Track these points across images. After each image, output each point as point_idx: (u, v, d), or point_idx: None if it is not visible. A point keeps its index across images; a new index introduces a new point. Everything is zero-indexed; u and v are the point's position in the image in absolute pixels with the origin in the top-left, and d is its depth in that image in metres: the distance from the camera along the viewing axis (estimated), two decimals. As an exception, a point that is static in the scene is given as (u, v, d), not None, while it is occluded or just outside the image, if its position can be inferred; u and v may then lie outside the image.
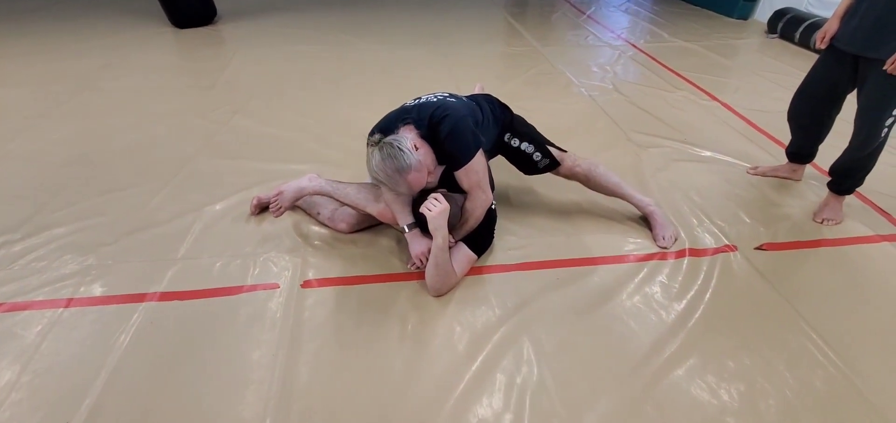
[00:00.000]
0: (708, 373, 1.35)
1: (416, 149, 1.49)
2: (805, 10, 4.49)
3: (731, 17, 5.34)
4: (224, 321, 1.50)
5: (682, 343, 1.43)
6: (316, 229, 1.91)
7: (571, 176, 1.89)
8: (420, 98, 1.72)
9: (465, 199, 1.62)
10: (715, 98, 3.22)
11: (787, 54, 4.14)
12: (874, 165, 1.90)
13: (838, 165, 1.98)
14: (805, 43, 4.22)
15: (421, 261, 1.61)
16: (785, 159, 2.30)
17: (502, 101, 1.90)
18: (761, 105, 3.10)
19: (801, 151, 2.20)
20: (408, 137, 1.50)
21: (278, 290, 1.62)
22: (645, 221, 1.94)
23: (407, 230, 1.64)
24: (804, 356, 1.41)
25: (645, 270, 1.72)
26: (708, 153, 2.54)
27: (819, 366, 1.38)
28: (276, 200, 1.84)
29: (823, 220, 1.99)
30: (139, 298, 1.56)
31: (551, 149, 1.86)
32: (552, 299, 1.59)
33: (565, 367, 1.36)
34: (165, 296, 1.58)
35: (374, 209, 1.72)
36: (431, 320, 1.51)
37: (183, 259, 1.74)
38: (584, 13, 5.54)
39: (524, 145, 1.84)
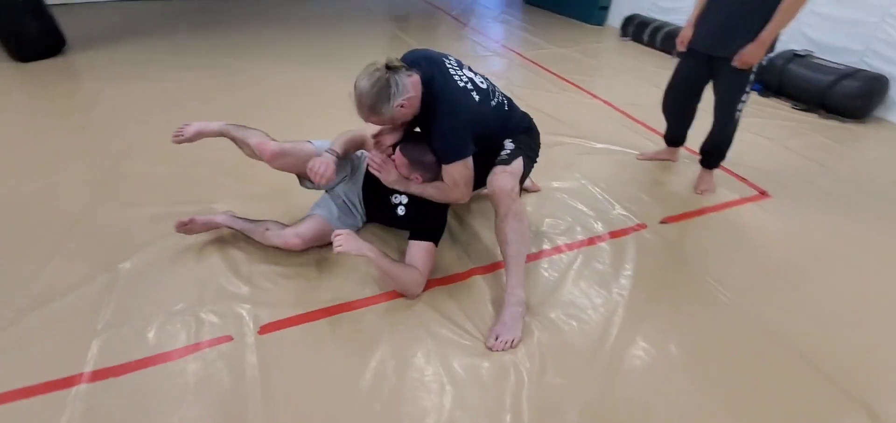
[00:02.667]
0: (653, 335, 1.58)
1: (402, 107, 1.51)
2: (649, 16, 5.31)
3: (590, 23, 6.10)
4: (177, 391, 1.34)
5: (625, 316, 1.65)
6: (259, 265, 1.79)
7: (499, 193, 1.60)
8: (474, 74, 1.69)
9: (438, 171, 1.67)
10: (596, 96, 3.68)
11: (640, 54, 4.88)
12: (732, 141, 2.36)
13: (705, 145, 2.43)
14: (653, 43, 5.00)
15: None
16: (664, 145, 2.74)
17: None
18: (632, 99, 3.62)
19: (674, 137, 2.64)
20: (405, 92, 1.49)
21: (232, 343, 1.49)
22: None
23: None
24: (715, 302, 1.72)
25: (580, 258, 1.93)
26: (601, 145, 2.90)
27: (725, 307, 1.70)
28: (187, 225, 1.83)
29: (702, 191, 2.42)
30: (66, 383, 1.32)
31: (521, 160, 1.68)
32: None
33: (546, 365, 1.49)
34: (97, 374, 1.36)
35: (288, 239, 1.75)
36: (406, 345, 1.52)
37: (106, 329, 1.50)
38: (466, 25, 5.87)
39: (508, 143, 1.72)
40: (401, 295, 1.67)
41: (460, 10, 6.66)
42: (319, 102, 3.34)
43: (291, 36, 4.97)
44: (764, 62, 2.13)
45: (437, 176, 1.69)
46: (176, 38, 4.69)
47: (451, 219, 2.11)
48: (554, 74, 4.17)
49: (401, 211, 1.83)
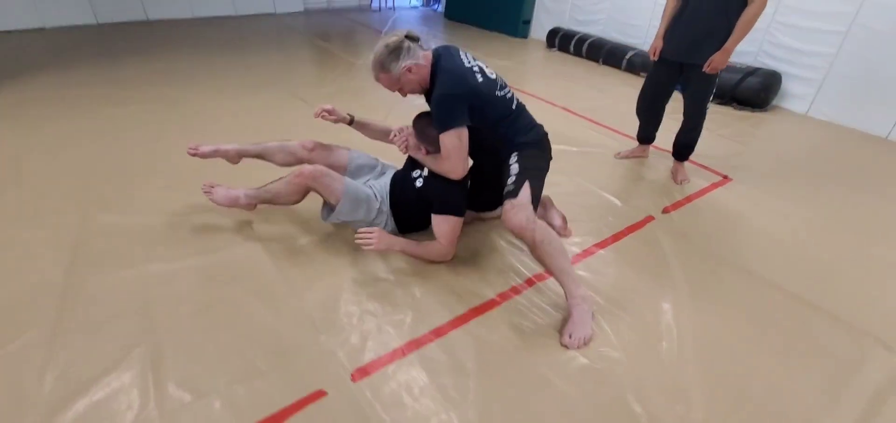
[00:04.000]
0: (714, 309, 1.77)
1: (409, 72, 1.70)
2: (571, 28, 5.81)
3: (515, 36, 6.50)
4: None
5: (684, 298, 1.83)
6: (327, 309, 1.67)
7: (518, 230, 1.62)
8: (486, 66, 1.80)
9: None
10: (553, 103, 3.95)
11: (572, 63, 5.32)
12: (699, 135, 2.72)
13: (679, 140, 2.76)
14: (579, 53, 5.48)
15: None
16: (631, 143, 3.06)
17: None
18: (585, 104, 3.95)
19: (646, 135, 2.96)
20: (415, 59, 1.69)
21: (327, 397, 1.38)
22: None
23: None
24: (732, 270, 1.99)
25: (615, 253, 2.09)
26: (576, 148, 3.14)
27: (737, 273, 1.97)
28: (208, 192, 2.03)
29: (681, 181, 2.75)
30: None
31: (527, 186, 1.68)
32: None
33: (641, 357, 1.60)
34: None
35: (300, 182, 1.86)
36: (500, 360, 1.53)
37: (169, 416, 1.30)
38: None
39: (513, 167, 1.74)
40: (478, 312, 1.69)
41: (383, 26, 6.67)
42: (281, 125, 3.15)
43: (222, 61, 4.60)
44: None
45: (439, 150, 1.76)
46: (92, 72, 4.09)
47: (493, 238, 2.15)
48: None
49: (418, 183, 1.91)
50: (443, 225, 1.84)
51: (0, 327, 1.53)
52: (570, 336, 1.57)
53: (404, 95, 1.84)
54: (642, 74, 4.83)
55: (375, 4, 8.08)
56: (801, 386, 1.50)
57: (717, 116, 3.86)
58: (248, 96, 3.68)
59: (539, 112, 3.67)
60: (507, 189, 1.71)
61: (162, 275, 1.79)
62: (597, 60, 5.28)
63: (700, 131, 2.69)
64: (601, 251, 2.09)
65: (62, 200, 2.22)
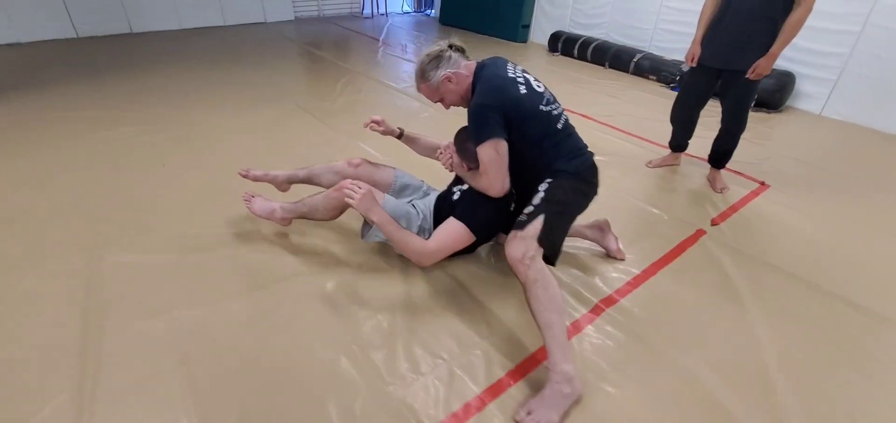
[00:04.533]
0: (786, 327, 1.66)
1: (449, 81, 1.64)
2: (573, 32, 5.74)
3: (515, 41, 6.40)
4: None
5: (741, 312, 1.72)
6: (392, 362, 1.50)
7: (512, 262, 1.46)
8: (535, 80, 1.68)
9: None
10: (572, 111, 3.85)
11: (577, 68, 5.22)
12: (738, 143, 2.63)
13: (718, 148, 2.67)
14: (583, 57, 5.41)
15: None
16: (661, 150, 2.96)
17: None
18: (601, 110, 3.85)
19: (680, 144, 2.87)
20: (456, 68, 1.64)
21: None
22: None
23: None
24: (788, 280, 1.89)
25: (674, 273, 1.98)
26: (603, 157, 3.03)
27: (791, 281, 1.88)
28: (248, 201, 2.02)
29: (721, 189, 2.65)
30: None
31: (541, 220, 1.50)
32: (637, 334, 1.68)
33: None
34: None
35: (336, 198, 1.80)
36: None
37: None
38: (388, 45, 5.75)
39: (539, 194, 1.57)
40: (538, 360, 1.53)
41: (377, 33, 6.51)
42: (292, 141, 2.96)
43: (217, 75, 4.37)
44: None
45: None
46: (77, 92, 3.82)
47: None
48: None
49: (455, 196, 1.81)
50: (448, 229, 1.68)
51: (17, 394, 1.32)
52: (529, 414, 1.31)
53: (447, 106, 1.76)
54: (651, 77, 4.78)
55: (367, 11, 7.90)
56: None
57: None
58: (250, 112, 3.47)
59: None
60: (519, 218, 1.54)
61: (194, 323, 1.59)
62: (603, 64, 5.20)
63: (739, 139, 2.60)
64: (661, 272, 1.96)
65: (64, 240, 1.99)
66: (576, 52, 5.46)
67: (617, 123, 3.59)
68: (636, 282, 1.90)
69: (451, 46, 1.67)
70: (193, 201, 2.28)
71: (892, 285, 1.95)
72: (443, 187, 2.04)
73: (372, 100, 3.90)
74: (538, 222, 1.50)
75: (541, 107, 1.61)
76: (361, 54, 5.39)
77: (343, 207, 1.85)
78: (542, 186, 1.60)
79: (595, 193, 1.69)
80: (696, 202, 2.54)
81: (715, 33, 2.42)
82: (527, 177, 1.68)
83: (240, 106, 3.59)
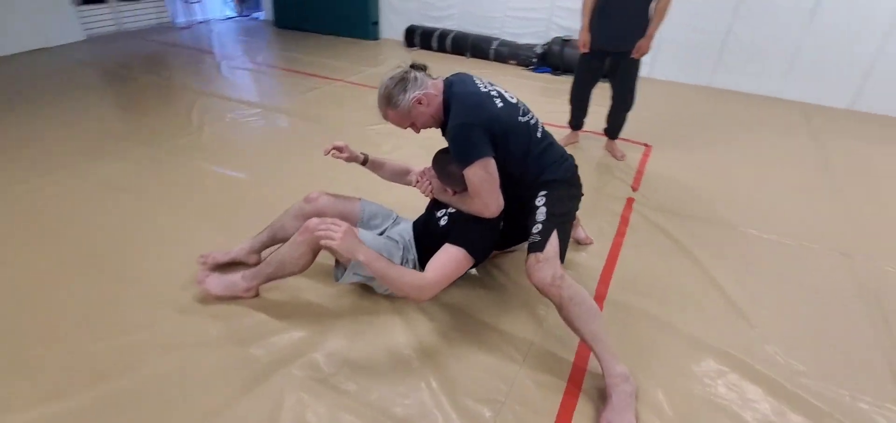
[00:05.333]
0: (719, 269, 1.97)
1: (420, 103, 1.52)
2: (427, 25, 5.79)
3: (367, 39, 6.19)
4: None
5: (697, 265, 2.00)
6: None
7: (541, 287, 1.42)
8: (506, 91, 1.64)
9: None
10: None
11: (439, 60, 5.30)
12: (628, 116, 3.00)
13: (612, 121, 3.01)
14: (443, 48, 5.52)
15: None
16: (567, 131, 3.22)
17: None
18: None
19: (579, 122, 3.14)
20: (424, 89, 1.52)
21: None
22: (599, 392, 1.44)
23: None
24: (708, 225, 2.27)
25: (623, 249, 2.17)
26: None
27: (710, 225, 2.27)
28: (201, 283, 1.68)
29: (621, 157, 3.00)
30: None
31: (554, 236, 1.48)
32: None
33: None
34: None
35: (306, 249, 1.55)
36: None
37: None
38: (256, 62, 5.05)
39: (540, 211, 1.53)
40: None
41: (197, 43, 5.63)
42: (186, 191, 2.38)
43: (15, 121, 3.21)
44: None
45: (466, 187, 1.55)
46: None
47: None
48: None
49: (443, 222, 1.69)
50: (445, 257, 1.51)
51: None
52: None
53: (418, 130, 1.63)
54: (512, 62, 5.13)
55: (180, 20, 6.72)
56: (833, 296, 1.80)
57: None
58: (91, 166, 2.63)
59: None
60: (531, 239, 1.49)
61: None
62: (463, 54, 5.39)
63: (630, 110, 2.97)
64: (623, 248, 2.13)
65: None
66: (435, 44, 5.55)
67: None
68: (610, 265, 2.02)
69: (413, 66, 1.56)
70: (83, 312, 1.65)
71: (779, 211, 2.48)
72: (409, 214, 1.88)
73: (250, 124, 3.34)
74: (554, 239, 1.47)
75: (519, 119, 1.57)
76: (197, 71, 4.56)
77: (316, 251, 1.57)
78: (540, 201, 1.56)
79: (581, 194, 1.72)
80: (606, 173, 2.82)
81: (601, 21, 2.70)
82: (511, 192, 1.59)
83: (69, 159, 2.68)
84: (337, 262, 1.70)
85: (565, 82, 4.49)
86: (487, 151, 1.47)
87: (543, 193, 1.57)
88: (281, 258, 1.59)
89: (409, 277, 1.45)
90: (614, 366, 1.36)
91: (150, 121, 3.32)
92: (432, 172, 1.69)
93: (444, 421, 1.32)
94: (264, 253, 1.87)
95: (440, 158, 1.63)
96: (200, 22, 6.91)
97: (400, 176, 1.85)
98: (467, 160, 1.46)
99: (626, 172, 2.84)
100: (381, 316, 1.67)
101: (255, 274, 1.66)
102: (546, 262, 1.42)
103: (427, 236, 1.72)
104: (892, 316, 1.79)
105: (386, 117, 1.58)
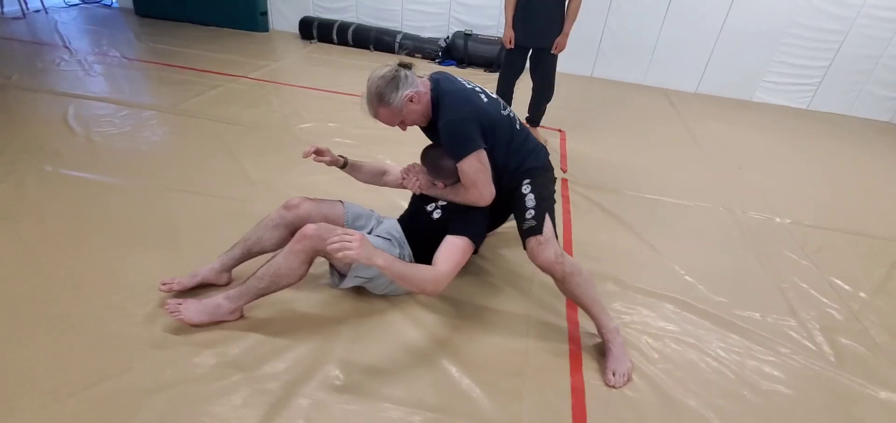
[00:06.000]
0: (659, 238, 2.37)
1: (411, 101, 1.55)
2: (322, 16, 5.56)
3: (256, 31, 5.72)
4: None
5: (640, 237, 2.37)
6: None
7: (546, 266, 1.56)
8: (488, 92, 1.71)
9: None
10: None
11: (342, 53, 5.15)
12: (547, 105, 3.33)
13: (534, 110, 3.31)
14: (344, 41, 5.37)
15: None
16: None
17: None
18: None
19: (504, 111, 3.39)
20: (415, 87, 1.55)
21: None
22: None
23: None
24: (634, 199, 2.68)
25: (581, 231, 2.46)
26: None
27: (637, 199, 2.69)
28: (175, 312, 1.50)
29: (544, 141, 3.32)
30: None
31: (548, 219, 1.62)
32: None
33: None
34: None
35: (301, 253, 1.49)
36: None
37: None
38: (128, 58, 4.34)
39: (529, 197, 1.65)
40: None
41: (40, 36, 4.72)
42: (91, 221, 2.05)
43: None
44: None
45: (458, 179, 1.65)
46: None
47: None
48: (312, 88, 3.97)
49: (436, 215, 1.73)
50: (452, 248, 1.58)
51: None
52: (614, 374, 1.52)
53: (404, 128, 1.67)
54: (417, 55, 5.22)
55: (13, 10, 5.45)
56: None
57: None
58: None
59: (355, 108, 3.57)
60: (527, 224, 1.61)
61: None
62: (367, 47, 5.32)
63: (550, 100, 3.29)
64: (574, 230, 2.41)
65: None
66: (335, 37, 5.37)
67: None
68: (567, 238, 2.28)
69: (402, 65, 1.57)
70: (37, 370, 1.36)
71: (673, 179, 2.99)
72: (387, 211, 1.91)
73: (151, 129, 2.92)
74: (548, 222, 1.62)
75: (501, 112, 1.69)
76: (53, 70, 3.78)
77: (312, 257, 1.51)
78: (526, 188, 1.67)
79: (555, 178, 1.90)
80: (535, 158, 3.12)
81: (524, 19, 2.95)
82: (496, 181, 1.68)
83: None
84: (332, 267, 1.67)
85: (471, 74, 4.78)
86: (481, 143, 1.56)
87: (527, 180, 1.70)
88: (275, 271, 1.50)
89: (425, 272, 1.49)
90: (608, 322, 1.59)
91: (19, 133, 2.72)
92: (418, 167, 1.74)
93: (481, 398, 1.41)
94: (237, 271, 1.73)
95: (431, 154, 1.68)
96: (37, 11, 5.68)
97: (378, 177, 1.87)
98: (463, 153, 1.55)
99: (552, 156, 3.15)
100: (385, 316, 1.68)
101: (241, 293, 1.53)
102: (547, 243, 1.57)
103: (418, 231, 1.76)
104: (768, 250, 2.34)
105: (376, 116, 1.59)
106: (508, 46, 3.04)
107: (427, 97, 1.60)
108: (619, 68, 5.28)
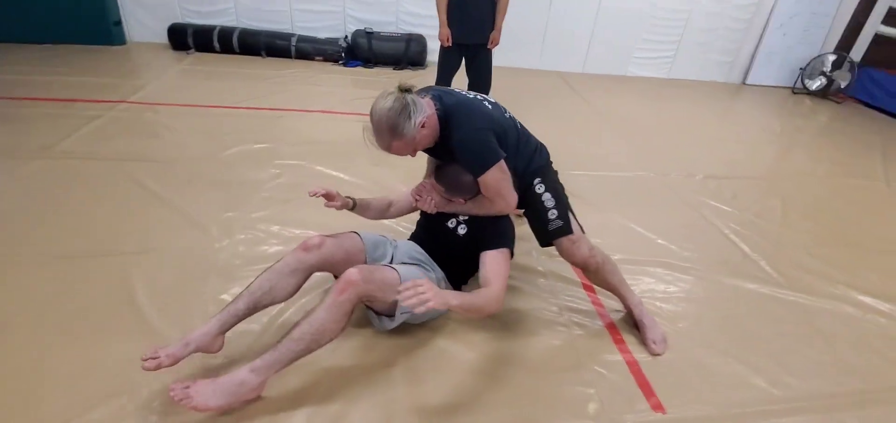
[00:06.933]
0: (630, 207, 2.62)
1: (423, 127, 1.45)
2: (194, 22, 4.85)
3: (110, 44, 4.76)
4: None
5: (591, 209, 2.59)
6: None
7: (582, 263, 1.65)
8: (490, 98, 1.68)
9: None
10: (310, 110, 3.57)
11: (229, 63, 4.57)
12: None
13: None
14: (229, 48, 4.78)
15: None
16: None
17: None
18: (326, 102, 3.77)
19: (442, 110, 3.37)
20: (423, 112, 1.45)
21: None
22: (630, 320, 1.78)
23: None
24: (582, 176, 2.92)
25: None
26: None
27: (581, 174, 2.95)
28: (184, 399, 1.22)
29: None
30: None
31: (571, 216, 1.67)
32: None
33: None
34: None
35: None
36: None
37: None
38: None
39: (546, 196, 1.66)
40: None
41: None
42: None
43: None
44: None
45: (478, 192, 1.63)
46: None
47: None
48: (213, 106, 3.47)
49: (462, 231, 1.68)
50: (497, 263, 1.55)
51: None
52: (654, 342, 1.65)
53: (414, 155, 1.57)
54: (318, 58, 4.88)
55: None
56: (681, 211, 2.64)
57: (409, 80, 4.61)
58: None
59: (296, 123, 3.29)
60: (553, 225, 1.64)
61: None
62: (258, 54, 4.81)
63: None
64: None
65: None
66: (217, 44, 4.74)
67: (347, 109, 3.66)
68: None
69: (403, 89, 1.44)
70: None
71: (608, 154, 3.30)
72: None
73: (34, 178, 2.27)
74: (573, 218, 1.69)
75: (505, 116, 1.68)
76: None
77: (354, 306, 1.35)
78: (540, 188, 1.68)
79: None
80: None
81: (459, 17, 2.98)
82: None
83: None
84: (371, 310, 1.54)
85: (380, 74, 4.68)
86: (501, 152, 1.53)
87: (538, 179, 1.70)
88: (319, 328, 1.30)
89: (488, 296, 1.44)
90: (633, 297, 1.73)
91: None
92: (430, 186, 1.67)
93: (556, 396, 1.45)
94: (235, 330, 1.45)
95: (448, 172, 1.62)
96: None
97: (385, 211, 1.81)
98: (486, 166, 1.50)
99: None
100: (433, 346, 1.59)
101: (273, 362, 1.28)
102: (580, 240, 1.64)
103: (441, 249, 1.70)
104: (707, 207, 2.72)
105: (388, 149, 1.48)
106: (446, 44, 3.03)
107: (434, 118, 1.51)
108: (516, 55, 5.57)
